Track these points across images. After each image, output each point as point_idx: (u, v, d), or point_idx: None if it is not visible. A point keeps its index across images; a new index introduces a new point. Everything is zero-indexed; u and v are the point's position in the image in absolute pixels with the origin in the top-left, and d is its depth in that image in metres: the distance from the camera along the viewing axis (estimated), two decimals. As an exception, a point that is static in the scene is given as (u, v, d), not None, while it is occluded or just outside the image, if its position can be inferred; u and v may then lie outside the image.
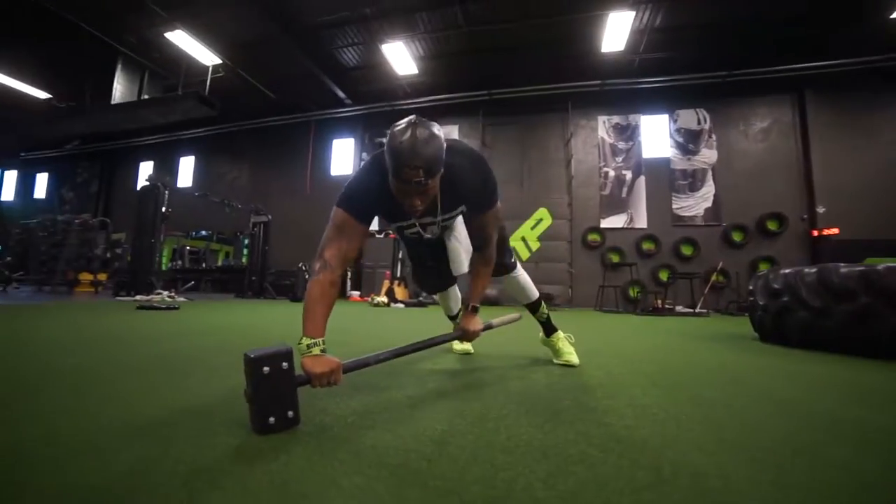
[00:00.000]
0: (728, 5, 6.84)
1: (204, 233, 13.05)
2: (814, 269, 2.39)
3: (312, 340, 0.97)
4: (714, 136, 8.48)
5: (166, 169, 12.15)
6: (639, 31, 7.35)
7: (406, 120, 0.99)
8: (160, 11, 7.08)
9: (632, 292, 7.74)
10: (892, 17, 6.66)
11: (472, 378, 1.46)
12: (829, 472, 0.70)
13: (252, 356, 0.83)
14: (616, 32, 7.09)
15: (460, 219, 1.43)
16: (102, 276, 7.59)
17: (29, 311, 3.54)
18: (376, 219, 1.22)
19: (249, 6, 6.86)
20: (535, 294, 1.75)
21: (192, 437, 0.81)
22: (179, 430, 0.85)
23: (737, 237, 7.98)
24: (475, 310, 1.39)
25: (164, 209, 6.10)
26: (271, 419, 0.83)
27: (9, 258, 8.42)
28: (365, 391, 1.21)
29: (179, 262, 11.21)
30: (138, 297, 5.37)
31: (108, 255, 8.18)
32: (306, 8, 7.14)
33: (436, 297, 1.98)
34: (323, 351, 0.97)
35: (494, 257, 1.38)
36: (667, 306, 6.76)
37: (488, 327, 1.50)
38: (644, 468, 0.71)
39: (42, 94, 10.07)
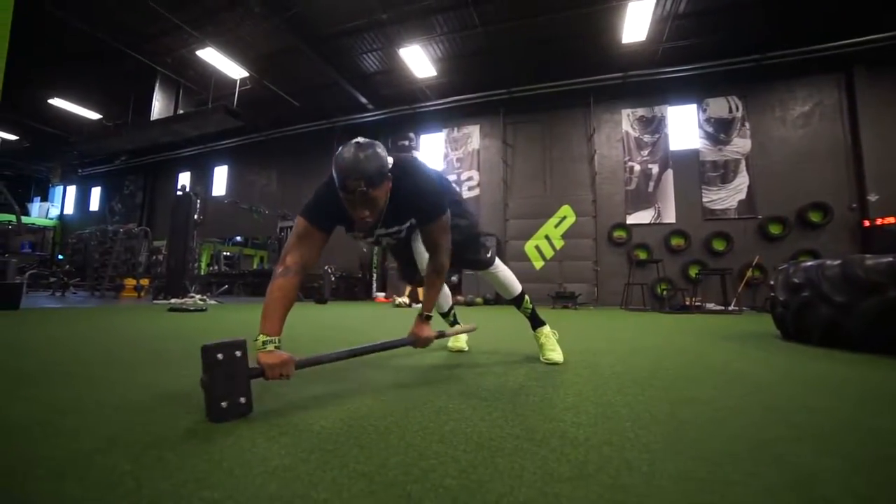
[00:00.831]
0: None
1: (239, 238, 13.73)
2: (836, 262, 2.23)
3: (268, 338, 1.04)
4: (747, 124, 8.02)
5: (202, 178, 12.86)
6: (661, 19, 7.08)
7: (351, 141, 1.11)
8: (192, 31, 7.53)
9: (659, 290, 7.45)
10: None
11: (451, 374, 1.48)
12: (773, 474, 0.67)
13: (208, 345, 0.89)
14: (637, 22, 6.87)
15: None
16: (144, 281, 8.13)
17: (74, 314, 3.86)
18: None
19: (272, 20, 7.16)
20: (518, 288, 1.76)
21: (158, 419, 0.89)
22: (152, 413, 0.94)
23: (774, 230, 7.52)
24: (427, 318, 1.42)
25: (196, 217, 6.46)
26: (224, 403, 0.88)
27: (67, 266, 9.19)
28: (337, 382, 1.25)
29: (216, 267, 11.83)
30: (172, 301, 5.73)
31: (150, 261, 8.77)
32: (325, 18, 7.36)
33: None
34: (277, 348, 1.04)
35: (446, 266, 1.40)
36: (696, 304, 6.46)
37: (440, 335, 1.52)
38: (570, 463, 0.70)
39: (94, 115, 10.95)
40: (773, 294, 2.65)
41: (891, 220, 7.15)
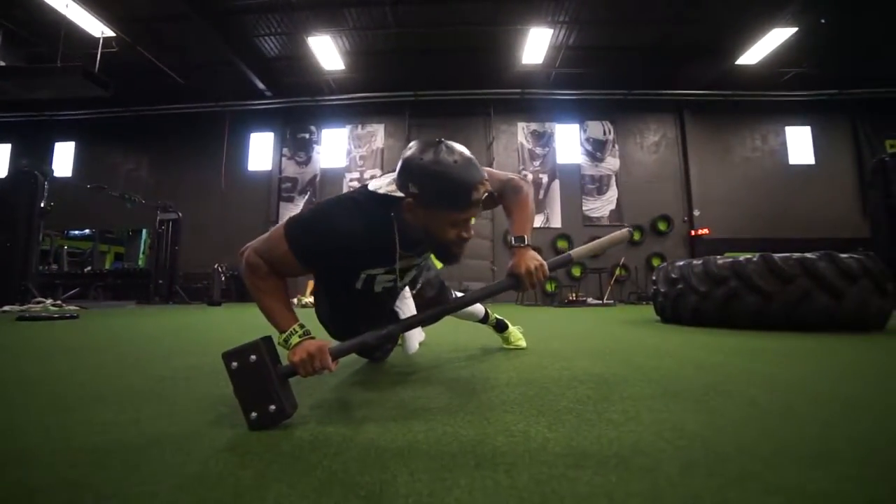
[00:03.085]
0: (629, 35, 7.86)
1: (87, 231, 11.26)
2: (699, 261, 2.94)
3: (286, 332, 0.91)
4: (617, 146, 9.64)
5: (34, 154, 10.19)
6: (555, 47, 8.07)
7: (425, 142, 0.90)
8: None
9: (549, 287, 8.47)
10: (735, 62, 8.21)
11: (451, 370, 1.59)
12: (723, 404, 0.97)
13: (224, 353, 0.84)
14: (536, 46, 7.72)
15: (407, 292, 1.36)
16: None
17: None
18: None
19: (152, -23, 6.14)
20: (482, 309, 1.78)
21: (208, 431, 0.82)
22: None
23: (635, 236, 9.19)
24: (524, 244, 1.06)
25: (42, 204, 5.18)
26: (253, 415, 0.81)
27: None
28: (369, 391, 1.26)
29: (55, 266, 9.52)
30: (8, 308, 4.50)
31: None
32: (222, -12, 6.60)
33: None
34: (303, 336, 0.90)
35: (523, 180, 1.16)
36: (580, 298, 7.53)
37: (564, 262, 1.12)
38: (616, 411, 0.90)
39: None
40: (655, 287, 3.34)
41: (706, 231, 9.36)
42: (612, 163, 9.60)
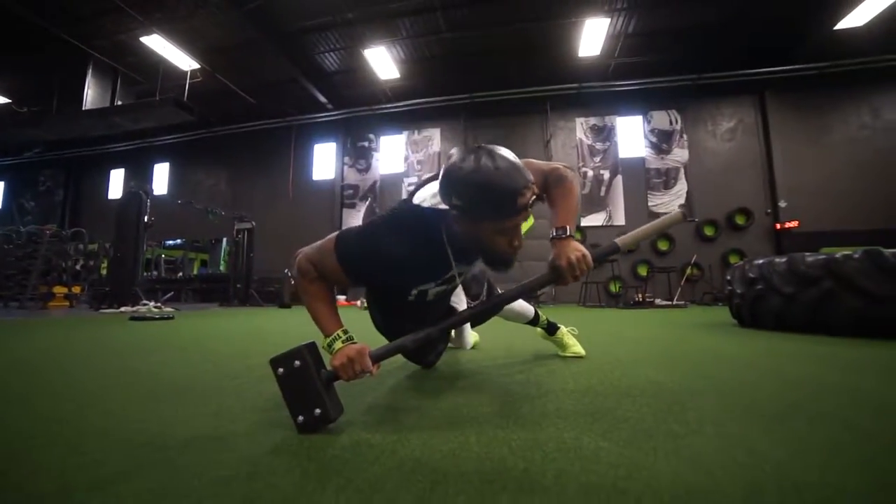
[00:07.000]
0: (697, 13, 7.26)
1: (179, 241, 12.73)
2: (784, 259, 2.64)
3: (330, 337, 0.94)
4: (685, 136, 8.94)
5: (139, 176, 11.77)
6: (614, 36, 7.69)
7: (466, 150, 0.88)
8: (136, 15, 6.92)
9: (613, 287, 8.06)
10: (835, 28, 7.22)
11: (490, 375, 1.59)
12: (801, 425, 0.87)
13: (271, 359, 0.88)
14: (592, 38, 7.41)
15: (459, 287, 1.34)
16: (77, 289, 7.30)
17: (29, 329, 3.44)
18: None
19: (230, 12, 6.80)
20: (532, 310, 1.71)
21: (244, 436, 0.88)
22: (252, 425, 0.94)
23: (708, 232, 8.45)
24: (565, 231, 0.99)
25: (146, 218, 5.95)
26: (300, 419, 0.84)
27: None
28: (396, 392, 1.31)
29: (155, 272, 10.88)
30: (124, 309, 5.23)
31: (81, 267, 7.89)
32: (288, 13, 7.13)
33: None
34: (346, 342, 0.93)
35: (568, 169, 1.07)
36: (647, 299, 7.08)
37: (609, 251, 1.09)
38: (678, 423, 0.85)
39: (0, 99, 9.64)
40: (730, 288, 3.05)
41: (794, 223, 8.34)
42: (680, 154, 8.91)
